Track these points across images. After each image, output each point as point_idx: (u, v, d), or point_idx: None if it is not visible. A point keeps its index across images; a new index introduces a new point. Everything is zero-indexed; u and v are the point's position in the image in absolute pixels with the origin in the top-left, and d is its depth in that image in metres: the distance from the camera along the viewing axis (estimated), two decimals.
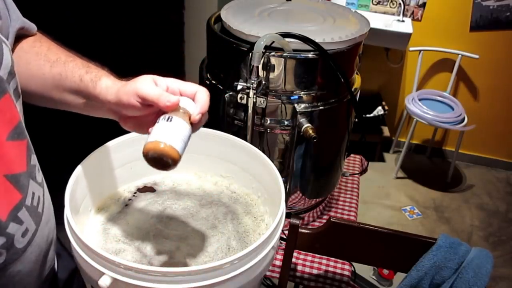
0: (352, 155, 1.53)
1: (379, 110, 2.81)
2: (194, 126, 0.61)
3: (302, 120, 0.97)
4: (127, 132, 0.72)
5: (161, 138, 0.55)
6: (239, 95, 0.96)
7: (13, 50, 0.65)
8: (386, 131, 2.95)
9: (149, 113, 0.62)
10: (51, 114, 0.90)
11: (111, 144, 0.80)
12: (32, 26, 0.70)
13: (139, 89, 0.59)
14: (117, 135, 0.82)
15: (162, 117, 0.58)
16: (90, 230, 0.76)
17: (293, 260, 1.06)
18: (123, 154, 0.83)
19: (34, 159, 0.61)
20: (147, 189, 0.87)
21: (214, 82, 1.05)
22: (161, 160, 0.56)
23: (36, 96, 0.67)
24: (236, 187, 0.88)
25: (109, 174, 0.82)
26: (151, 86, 0.60)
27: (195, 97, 0.61)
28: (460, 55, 2.64)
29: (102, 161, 0.79)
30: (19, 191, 0.57)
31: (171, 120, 0.56)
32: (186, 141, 0.58)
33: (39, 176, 0.63)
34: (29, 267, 0.61)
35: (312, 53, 0.94)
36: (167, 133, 0.56)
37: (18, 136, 0.56)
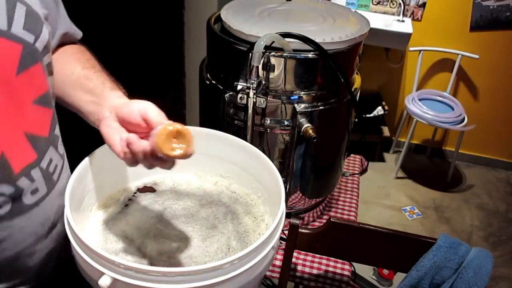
0: (352, 155, 1.53)
1: (379, 110, 2.82)
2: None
3: (302, 120, 0.97)
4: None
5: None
6: (239, 95, 0.96)
7: (55, 50, 0.73)
8: (386, 131, 2.95)
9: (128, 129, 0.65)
10: None
11: None
12: (77, 32, 0.79)
13: (147, 111, 0.63)
14: None
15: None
16: (90, 230, 0.76)
17: (293, 260, 1.06)
18: None
19: (57, 130, 0.67)
20: (147, 189, 0.87)
21: (214, 82, 1.05)
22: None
23: (57, 92, 0.71)
24: (236, 187, 0.88)
25: (109, 174, 0.82)
26: (156, 111, 0.64)
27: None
28: (460, 55, 2.65)
29: (102, 161, 0.79)
30: (36, 151, 0.62)
31: None
32: None
33: (61, 148, 0.69)
34: (34, 228, 0.64)
35: (312, 53, 0.94)
36: None
37: (45, 103, 0.63)
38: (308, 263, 1.11)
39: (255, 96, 0.93)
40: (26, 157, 0.60)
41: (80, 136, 0.99)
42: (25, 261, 0.66)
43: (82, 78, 0.71)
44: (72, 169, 0.73)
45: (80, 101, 0.70)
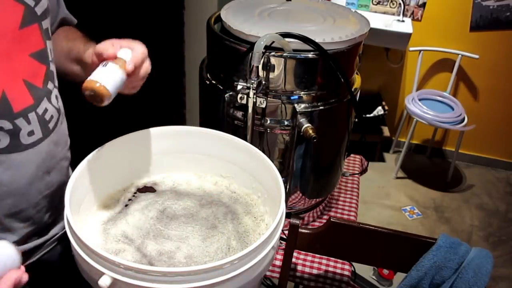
0: (352, 155, 1.53)
1: (379, 110, 2.82)
2: (132, 77, 0.73)
3: (302, 120, 0.97)
4: (127, 132, 0.77)
5: (95, 78, 0.69)
6: (239, 95, 0.96)
7: (54, 32, 0.84)
8: (386, 131, 2.95)
9: None
10: None
11: (111, 144, 0.80)
12: (73, 20, 0.91)
13: (95, 48, 0.74)
14: (117, 135, 0.82)
15: (100, 63, 0.72)
16: (90, 230, 0.76)
17: (293, 260, 1.06)
18: (123, 154, 0.83)
19: (51, 86, 0.76)
20: (147, 189, 0.87)
21: (214, 82, 1.05)
22: (95, 97, 0.69)
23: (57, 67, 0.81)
24: (236, 187, 0.88)
25: (110, 174, 0.82)
26: (103, 44, 0.75)
27: (134, 51, 0.75)
28: (460, 55, 2.65)
29: (102, 161, 0.79)
30: (32, 97, 0.71)
31: (106, 65, 0.71)
32: (118, 83, 0.71)
33: (56, 103, 0.78)
34: (29, 168, 0.73)
35: (312, 53, 0.94)
36: (101, 75, 0.70)
37: (40, 58, 0.72)
38: (308, 263, 1.11)
39: (255, 96, 0.93)
40: (24, 100, 0.69)
41: (80, 136, 0.99)
42: (20, 200, 0.73)
43: (67, 53, 0.84)
44: (72, 169, 0.73)
45: (75, 74, 0.84)
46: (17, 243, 0.76)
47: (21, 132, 0.70)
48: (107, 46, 0.73)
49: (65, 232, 0.74)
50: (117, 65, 0.71)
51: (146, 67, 0.77)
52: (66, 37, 0.86)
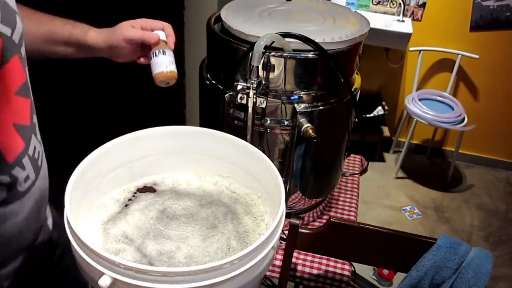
0: (352, 155, 1.53)
1: (379, 110, 2.82)
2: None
3: (302, 120, 0.97)
4: (127, 132, 0.79)
5: (168, 68, 0.82)
6: (239, 95, 0.96)
7: None
8: (386, 131, 2.95)
9: (134, 48, 0.88)
10: (51, 114, 0.90)
11: (111, 144, 0.80)
12: None
13: (126, 36, 0.83)
14: (117, 135, 0.82)
15: (155, 51, 0.83)
16: (90, 230, 0.76)
17: (293, 260, 1.06)
18: (123, 154, 0.83)
19: (35, 119, 0.71)
20: (147, 189, 0.87)
21: (214, 82, 1.05)
22: (168, 82, 0.84)
23: (28, 52, 0.73)
24: (236, 187, 0.88)
25: (110, 174, 0.82)
26: (132, 30, 0.85)
27: (165, 30, 0.88)
28: (460, 55, 2.65)
29: (102, 161, 0.79)
30: (24, 140, 0.66)
31: (165, 53, 0.82)
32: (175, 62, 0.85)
33: (39, 135, 0.73)
34: (26, 213, 0.69)
35: (312, 53, 0.94)
36: (169, 62, 0.83)
37: (24, 93, 0.66)
38: (308, 263, 1.11)
39: (255, 96, 0.93)
40: (17, 147, 0.64)
41: (80, 136, 0.99)
42: (18, 238, 0.71)
43: (48, 36, 0.84)
44: (72, 169, 0.73)
45: (63, 54, 0.87)
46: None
47: (18, 181, 0.65)
48: (148, 34, 0.84)
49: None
50: (171, 50, 0.84)
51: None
52: (34, 21, 0.82)
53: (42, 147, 0.74)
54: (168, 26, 0.89)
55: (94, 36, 0.86)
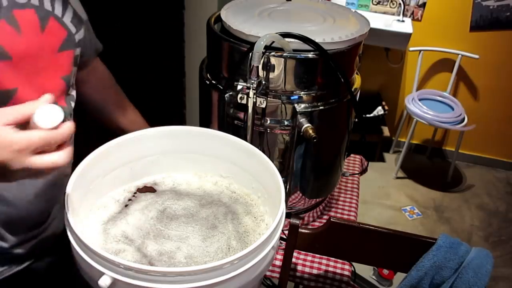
0: (352, 155, 1.53)
1: (379, 110, 2.82)
2: None
3: (302, 120, 0.97)
4: (126, 132, 0.77)
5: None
6: (239, 95, 0.96)
7: (90, 61, 0.93)
8: (386, 131, 2.95)
9: None
10: None
11: (111, 144, 0.80)
12: (100, 46, 0.96)
13: None
14: (117, 135, 0.82)
15: None
16: (90, 230, 0.76)
17: (293, 260, 1.06)
18: (123, 154, 0.83)
19: (72, 105, 0.81)
20: (147, 189, 0.87)
21: (214, 82, 1.05)
22: None
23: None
24: (236, 187, 0.88)
25: (109, 174, 0.82)
26: None
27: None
28: (460, 55, 2.65)
29: (102, 161, 0.79)
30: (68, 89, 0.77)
31: None
32: None
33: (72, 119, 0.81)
34: (38, 185, 0.77)
35: (312, 53, 0.94)
36: None
37: (67, 81, 0.77)
38: (308, 263, 1.11)
39: (255, 96, 0.93)
40: (64, 96, 0.74)
41: (80, 136, 0.99)
42: (27, 210, 0.77)
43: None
44: (72, 169, 0.73)
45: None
46: (9, 248, 0.79)
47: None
48: None
49: (57, 242, 0.80)
50: None
51: None
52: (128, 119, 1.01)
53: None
54: None
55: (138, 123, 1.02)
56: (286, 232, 0.95)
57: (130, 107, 1.03)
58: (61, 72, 0.75)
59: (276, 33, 0.91)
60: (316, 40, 0.93)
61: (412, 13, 2.68)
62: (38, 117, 0.53)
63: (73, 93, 0.82)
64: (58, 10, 0.70)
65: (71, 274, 0.88)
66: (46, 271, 0.89)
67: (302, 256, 1.12)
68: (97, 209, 0.80)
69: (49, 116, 0.54)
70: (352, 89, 1.04)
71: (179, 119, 2.12)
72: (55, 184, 0.83)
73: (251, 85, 0.92)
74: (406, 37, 2.46)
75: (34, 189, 0.76)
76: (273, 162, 0.79)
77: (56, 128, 0.54)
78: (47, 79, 0.71)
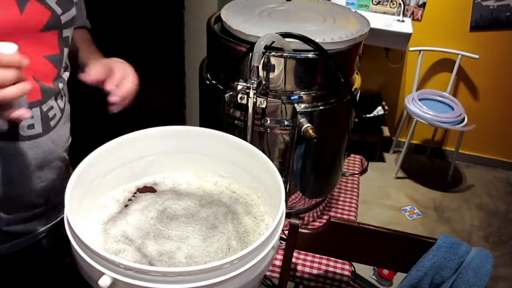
0: (352, 155, 1.53)
1: (379, 110, 2.82)
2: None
3: (302, 120, 0.97)
4: (127, 132, 0.79)
5: None
6: (239, 95, 0.96)
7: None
8: (386, 131, 2.95)
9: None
10: None
11: (111, 144, 0.80)
12: (88, 23, 0.99)
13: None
14: (117, 135, 0.82)
15: None
16: (90, 230, 0.76)
17: (293, 260, 1.06)
18: (123, 154, 0.83)
19: (61, 86, 0.82)
20: (147, 189, 0.87)
21: (214, 82, 1.05)
22: None
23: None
24: (236, 187, 0.88)
25: (109, 174, 0.82)
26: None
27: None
28: (460, 55, 2.65)
29: (102, 161, 0.79)
30: (41, 94, 0.76)
31: None
32: None
33: (62, 103, 0.83)
34: (24, 162, 0.78)
35: (312, 53, 0.94)
36: None
37: (53, 61, 0.78)
38: (308, 263, 1.11)
39: (255, 96, 0.93)
40: (31, 95, 0.73)
41: (80, 136, 0.99)
42: (8, 189, 0.78)
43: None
44: (72, 169, 0.74)
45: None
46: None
47: (21, 124, 0.74)
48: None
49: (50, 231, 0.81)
50: None
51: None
52: (81, 39, 0.94)
53: (62, 114, 0.83)
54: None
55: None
56: (286, 232, 0.95)
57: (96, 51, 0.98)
58: (45, 51, 0.75)
59: (276, 33, 0.92)
60: (316, 40, 0.93)
61: (412, 13, 2.68)
62: None
63: (65, 75, 0.83)
64: None
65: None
66: (46, 251, 0.92)
67: (302, 256, 1.12)
68: (97, 209, 0.80)
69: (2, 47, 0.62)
70: (352, 89, 1.04)
71: (179, 119, 2.12)
72: (49, 166, 0.84)
73: (251, 85, 0.92)
74: (406, 37, 2.46)
75: (24, 167, 0.78)
76: (273, 162, 0.79)
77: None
78: (28, 57, 0.70)
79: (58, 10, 0.74)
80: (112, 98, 0.82)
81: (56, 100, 0.81)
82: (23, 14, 0.69)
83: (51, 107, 0.80)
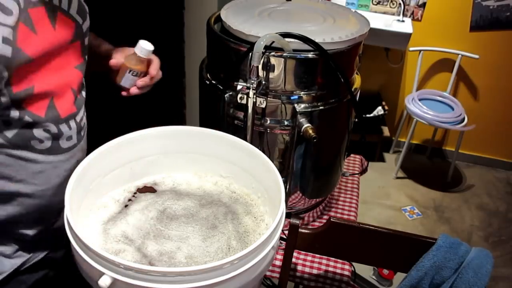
0: (352, 155, 1.53)
1: (379, 110, 2.82)
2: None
3: (302, 120, 0.97)
4: (127, 132, 0.78)
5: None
6: (239, 95, 0.96)
7: None
8: (386, 131, 2.95)
9: None
10: None
11: (111, 144, 0.80)
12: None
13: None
14: (117, 135, 0.82)
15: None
16: (90, 230, 0.76)
17: (293, 260, 1.06)
18: (123, 154, 0.83)
19: (84, 95, 0.84)
20: (147, 189, 0.87)
21: (214, 82, 1.05)
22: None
23: None
24: (236, 187, 0.88)
25: (110, 174, 0.82)
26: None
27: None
28: (460, 55, 2.65)
29: (102, 161, 0.79)
30: (75, 105, 0.78)
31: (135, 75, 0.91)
32: None
33: (84, 112, 0.85)
34: (61, 171, 0.79)
35: (312, 53, 0.94)
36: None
37: (81, 70, 0.80)
38: (308, 263, 1.11)
39: (255, 96, 0.93)
40: (69, 108, 0.76)
41: None
42: (50, 200, 0.79)
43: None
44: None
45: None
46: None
47: (62, 136, 0.76)
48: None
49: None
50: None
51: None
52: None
53: (86, 122, 0.85)
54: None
55: (106, 47, 0.96)
56: (286, 232, 0.95)
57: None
58: (75, 62, 0.77)
59: (276, 33, 0.92)
60: (316, 40, 0.93)
61: (412, 13, 2.68)
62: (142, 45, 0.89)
63: (84, 82, 0.85)
64: (64, 4, 0.72)
65: None
66: (63, 260, 0.92)
67: (302, 256, 1.12)
68: (97, 209, 0.80)
69: (146, 45, 0.88)
70: (352, 89, 1.04)
71: (179, 119, 2.12)
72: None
73: (251, 85, 0.92)
74: (406, 37, 2.46)
75: (58, 179, 0.78)
76: (273, 162, 0.79)
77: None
78: (64, 71, 0.74)
79: (80, 20, 0.76)
80: (151, 81, 0.93)
81: (84, 109, 0.83)
82: (56, 30, 0.70)
83: (82, 117, 0.82)
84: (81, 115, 0.81)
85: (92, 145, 0.79)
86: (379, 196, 2.68)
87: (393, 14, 2.70)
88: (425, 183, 2.82)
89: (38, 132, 0.71)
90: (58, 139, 0.75)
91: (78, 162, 0.80)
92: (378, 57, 2.82)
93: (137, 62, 0.90)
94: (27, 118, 0.68)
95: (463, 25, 2.63)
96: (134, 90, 0.93)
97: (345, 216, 1.28)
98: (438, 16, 2.65)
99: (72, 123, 0.78)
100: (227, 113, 1.02)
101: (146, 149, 0.87)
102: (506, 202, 2.74)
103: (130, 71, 0.90)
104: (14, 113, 0.66)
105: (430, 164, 3.05)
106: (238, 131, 1.01)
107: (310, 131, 0.95)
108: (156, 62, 0.95)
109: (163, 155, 0.89)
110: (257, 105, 0.95)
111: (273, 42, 0.92)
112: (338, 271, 1.10)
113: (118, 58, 0.92)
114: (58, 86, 0.73)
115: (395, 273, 2.05)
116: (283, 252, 0.99)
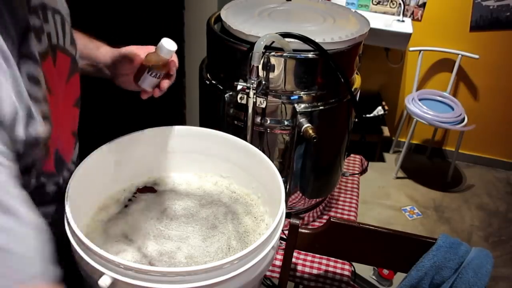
0: (352, 155, 1.53)
1: (379, 110, 2.81)
2: None
3: (302, 120, 0.97)
4: (127, 132, 0.77)
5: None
6: (239, 95, 0.96)
7: None
8: (386, 131, 2.95)
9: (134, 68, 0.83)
10: None
11: (111, 144, 0.80)
12: None
13: (128, 50, 0.85)
14: (117, 135, 0.82)
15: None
16: (90, 230, 0.76)
17: (293, 260, 1.06)
18: (123, 154, 0.83)
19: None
20: (147, 189, 0.87)
21: (214, 82, 1.05)
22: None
23: None
24: (236, 187, 0.88)
25: (110, 174, 0.82)
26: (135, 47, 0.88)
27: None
28: (460, 55, 2.64)
29: (102, 161, 0.79)
30: (73, 146, 0.75)
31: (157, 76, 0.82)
32: None
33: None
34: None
35: (312, 53, 0.94)
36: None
37: (77, 105, 0.75)
38: (308, 263, 1.11)
39: (255, 96, 0.93)
40: (72, 151, 0.74)
41: (80, 136, 0.99)
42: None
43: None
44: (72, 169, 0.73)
45: (85, 71, 0.87)
46: None
47: (71, 160, 0.73)
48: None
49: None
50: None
51: None
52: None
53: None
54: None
55: (106, 50, 0.87)
56: (286, 232, 0.95)
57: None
58: (72, 99, 0.72)
59: (276, 33, 0.92)
60: (316, 40, 0.93)
61: (412, 13, 2.68)
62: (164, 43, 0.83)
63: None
64: (61, 40, 0.66)
65: None
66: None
67: (302, 256, 1.12)
68: (97, 209, 0.80)
69: (170, 45, 0.82)
70: (352, 89, 1.04)
71: (179, 119, 2.12)
72: None
73: (251, 85, 0.92)
74: (406, 37, 2.46)
75: None
76: (273, 162, 0.79)
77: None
78: (62, 114, 0.68)
79: (73, 51, 0.71)
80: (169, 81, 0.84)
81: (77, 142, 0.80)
82: (56, 67, 0.65)
83: (77, 151, 0.78)
84: (77, 148, 0.77)
85: (92, 145, 0.79)
86: (379, 196, 2.68)
87: (393, 14, 2.70)
88: (425, 183, 2.82)
89: (50, 188, 0.67)
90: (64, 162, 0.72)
91: None
92: (378, 57, 2.82)
93: (158, 62, 0.83)
94: (43, 180, 0.64)
95: (463, 25, 2.63)
96: (158, 93, 0.83)
97: (345, 216, 1.28)
98: (438, 16, 2.65)
99: (74, 156, 0.75)
100: (227, 113, 1.02)
101: (146, 149, 0.87)
102: (506, 202, 2.73)
103: (149, 71, 0.82)
104: (33, 180, 0.62)
105: (430, 164, 3.04)
106: (238, 131, 1.01)
107: (310, 131, 0.95)
108: (176, 63, 0.86)
109: (163, 155, 0.89)
110: (257, 105, 0.95)
111: (273, 42, 0.92)
112: (338, 271, 1.10)
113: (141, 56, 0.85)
114: (58, 133, 0.66)
115: (395, 273, 2.05)
116: (283, 252, 0.99)
